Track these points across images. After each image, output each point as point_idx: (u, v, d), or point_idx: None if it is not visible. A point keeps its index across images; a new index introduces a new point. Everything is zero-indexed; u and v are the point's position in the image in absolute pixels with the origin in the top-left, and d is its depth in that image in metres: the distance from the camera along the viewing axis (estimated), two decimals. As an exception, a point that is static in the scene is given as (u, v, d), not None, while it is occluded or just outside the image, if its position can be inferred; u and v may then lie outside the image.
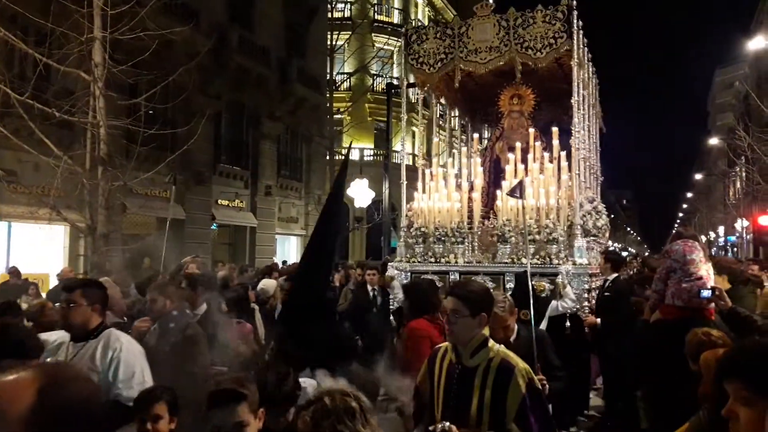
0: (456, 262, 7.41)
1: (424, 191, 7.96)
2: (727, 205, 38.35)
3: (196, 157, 16.87)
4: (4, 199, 12.47)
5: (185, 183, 17.98)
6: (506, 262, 7.16)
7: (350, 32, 25.27)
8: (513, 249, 7.17)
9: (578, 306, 6.69)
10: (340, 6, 26.51)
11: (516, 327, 4.46)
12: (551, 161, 7.49)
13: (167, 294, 4.57)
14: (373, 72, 29.09)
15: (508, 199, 7.26)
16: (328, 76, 23.88)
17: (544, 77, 8.65)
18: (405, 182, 8.60)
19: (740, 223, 35.29)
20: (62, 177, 9.66)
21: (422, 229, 7.75)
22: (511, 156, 7.81)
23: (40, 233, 12.30)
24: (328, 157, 23.55)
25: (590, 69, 8.74)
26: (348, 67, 28.03)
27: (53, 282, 11.70)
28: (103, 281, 6.54)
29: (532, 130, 8.17)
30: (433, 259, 7.57)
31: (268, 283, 7.89)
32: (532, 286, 6.30)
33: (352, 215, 26.75)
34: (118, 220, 12.38)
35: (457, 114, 10.98)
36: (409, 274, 7.59)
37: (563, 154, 7.59)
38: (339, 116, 25.44)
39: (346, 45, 25.04)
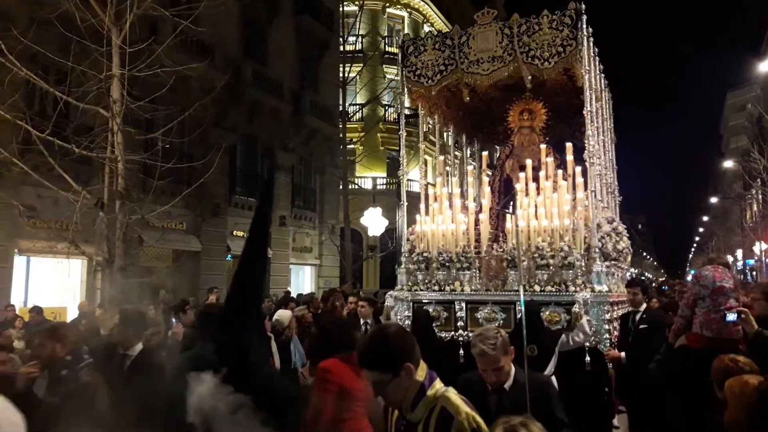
0: (462, 290, 6.77)
1: (427, 213, 7.36)
2: (745, 228, 37.91)
3: (211, 189, 17.06)
4: (23, 234, 12.66)
5: (201, 215, 18.17)
6: (517, 290, 6.24)
7: (362, 65, 25.63)
8: (525, 275, 6.39)
9: (596, 339, 5.94)
10: (351, 39, 26.94)
11: (513, 370, 3.58)
12: (565, 179, 6.99)
13: (57, 337, 4.09)
14: (384, 102, 29.42)
15: (520, 219, 6.71)
16: (340, 108, 24.20)
17: (553, 92, 8.22)
18: (405, 203, 8.12)
19: (759, 246, 34.84)
20: (81, 211, 9.81)
21: (425, 254, 7.10)
22: (521, 174, 7.28)
23: (58, 267, 12.46)
24: (341, 187, 23.72)
25: (602, 81, 8.19)
26: (360, 99, 28.37)
27: (71, 315, 11.79)
28: (99, 313, 6.59)
29: (543, 146, 7.66)
30: (437, 287, 6.90)
31: (283, 315, 7.87)
32: (545, 317, 5.99)
33: (366, 244, 26.79)
34: (135, 252, 12.51)
35: (451, 132, 10.03)
36: (410, 303, 6.96)
37: (578, 170, 7.08)
38: (352, 146, 25.68)
39: (357, 77, 25.37)
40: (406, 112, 8.52)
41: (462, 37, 7.20)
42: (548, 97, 8.35)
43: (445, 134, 10.06)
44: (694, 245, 75.83)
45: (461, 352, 6.37)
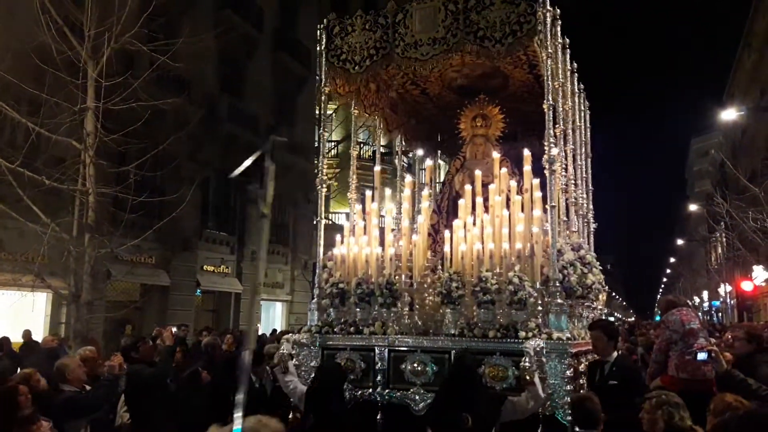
0: (385, 334, 5.28)
1: (352, 233, 5.98)
2: (710, 270, 38.72)
3: (183, 223, 16.89)
4: (-13, 265, 12.34)
5: (171, 249, 17.94)
6: (453, 334, 5.07)
7: (338, 103, 25.91)
8: (463, 314, 5.18)
9: (553, 404, 4.56)
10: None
11: None
12: (520, 193, 5.76)
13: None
14: (360, 140, 29.68)
15: (461, 242, 5.39)
16: (316, 144, 24.33)
17: (519, 97, 7.12)
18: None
19: (723, 288, 35.55)
20: (48, 244, 9.63)
21: (340, 285, 5.62)
22: (467, 188, 6.11)
23: (22, 300, 12.12)
24: (315, 222, 23.65)
25: (576, 83, 6.99)
26: (336, 135, 28.56)
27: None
28: (82, 351, 6.48)
29: (496, 155, 6.40)
30: (352, 329, 5.44)
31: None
32: (485, 371, 4.75)
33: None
34: (103, 287, 12.27)
35: (401, 141, 8.33)
36: (319, 350, 5.50)
37: (537, 183, 5.73)
38: (327, 182, 25.76)
39: (333, 114, 25.61)
40: (382, 150, 7.78)
41: (398, 14, 5.88)
42: (514, 103, 7.24)
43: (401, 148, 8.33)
44: (662, 286, 76.99)
45: (379, 417, 5.11)
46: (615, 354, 5.13)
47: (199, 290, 20.33)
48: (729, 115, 23.08)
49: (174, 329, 10.95)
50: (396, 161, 8.09)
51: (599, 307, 6.43)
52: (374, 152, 7.88)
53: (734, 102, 31.42)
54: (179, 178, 14.52)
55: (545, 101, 5.34)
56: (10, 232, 11.87)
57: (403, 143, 8.31)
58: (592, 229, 7.42)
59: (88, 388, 5.49)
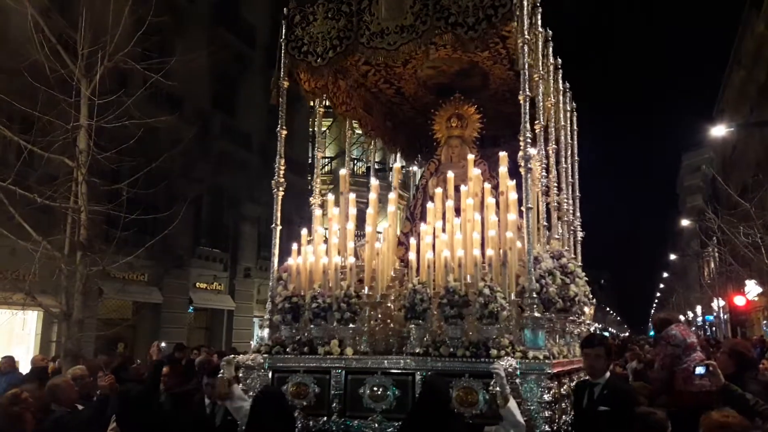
0: (342, 354, 4.72)
1: (309, 242, 5.51)
2: (703, 284, 38.84)
3: (175, 240, 16.83)
4: (-24, 284, 12.24)
5: (163, 266, 17.85)
6: (417, 353, 4.48)
7: (332, 119, 26.04)
8: (429, 331, 4.61)
9: None
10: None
11: None
12: (496, 196, 5.39)
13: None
14: (353, 156, 29.77)
15: (428, 249, 4.89)
16: (309, 160, 24.37)
17: (501, 97, 6.71)
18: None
19: (717, 303, 35.63)
20: (39, 262, 9.58)
21: (293, 299, 5.08)
22: (438, 191, 5.65)
23: (12, 319, 12.03)
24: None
25: (561, 80, 6.59)
26: (329, 152, 28.64)
27: (24, 370, 11.31)
28: (72, 370, 6.42)
29: (471, 156, 5.99)
30: (306, 349, 4.89)
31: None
32: (455, 395, 4.17)
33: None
34: (94, 305, 12.19)
35: (377, 145, 8.28)
36: (269, 373, 4.92)
37: (513, 184, 5.26)
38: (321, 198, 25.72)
39: (327, 131, 25.68)
40: (376, 166, 7.62)
41: (363, 1, 5.45)
42: (495, 105, 6.86)
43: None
44: (656, 301, 77.11)
45: None
46: (607, 374, 4.32)
47: (191, 307, 20.19)
48: (719, 131, 23.29)
49: (163, 344, 10.87)
50: (390, 177, 7.97)
51: (586, 321, 5.93)
52: (368, 168, 7.73)
53: (724, 118, 31.72)
54: (172, 195, 14.51)
55: (521, 92, 4.83)
56: (1, 250, 11.80)
57: (383, 148, 7.89)
58: (579, 238, 6.94)
59: (80, 407, 5.43)
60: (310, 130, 23.80)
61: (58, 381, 5.66)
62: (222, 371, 4.62)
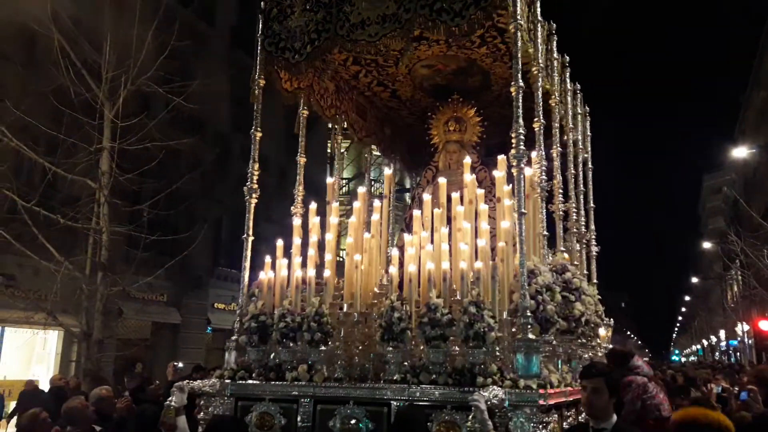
0: (310, 380, 4.15)
1: (285, 254, 5.00)
2: (726, 308, 38.16)
3: (195, 261, 16.97)
4: (0, 303, 12.42)
5: (182, 287, 17.98)
6: (395, 380, 3.94)
7: (350, 141, 26.30)
8: (410, 354, 4.04)
9: None
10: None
11: None
12: (490, 203, 4.96)
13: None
14: (372, 177, 29.94)
15: (410, 262, 4.32)
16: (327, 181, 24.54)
17: (505, 100, 5.80)
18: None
19: (741, 327, 34.94)
20: (61, 282, 9.71)
21: (260, 318, 4.47)
22: (426, 197, 5.12)
23: (34, 338, 12.17)
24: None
25: (567, 78, 6.07)
26: (347, 173, 28.85)
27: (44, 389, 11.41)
28: (98, 391, 6.47)
29: (467, 160, 5.30)
30: (273, 374, 4.34)
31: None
32: (435, 429, 3.61)
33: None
34: (114, 325, 12.30)
35: (373, 152, 7.92)
36: (232, 401, 4.36)
37: (509, 190, 4.64)
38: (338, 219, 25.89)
39: (345, 153, 25.90)
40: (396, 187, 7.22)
41: None
42: (499, 109, 6.30)
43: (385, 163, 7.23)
44: (677, 325, 75.82)
45: None
46: (614, 418, 3.15)
47: (210, 328, 20.25)
48: (740, 152, 23.06)
49: (180, 365, 10.90)
50: (407, 197, 7.56)
51: (602, 344, 5.41)
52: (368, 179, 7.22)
53: (745, 139, 31.40)
54: (192, 216, 14.65)
55: (513, 82, 4.29)
56: (24, 270, 11.98)
57: (381, 155, 7.14)
58: (594, 253, 6.27)
59: (97, 429, 5.45)
60: (328, 152, 24.03)
61: (73, 403, 5.69)
62: (171, 398, 4.07)
